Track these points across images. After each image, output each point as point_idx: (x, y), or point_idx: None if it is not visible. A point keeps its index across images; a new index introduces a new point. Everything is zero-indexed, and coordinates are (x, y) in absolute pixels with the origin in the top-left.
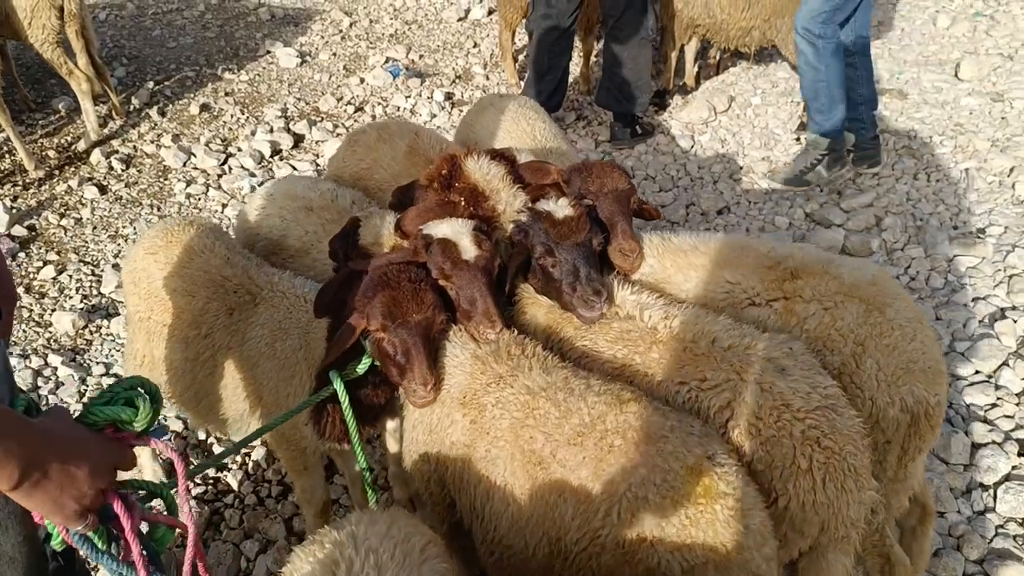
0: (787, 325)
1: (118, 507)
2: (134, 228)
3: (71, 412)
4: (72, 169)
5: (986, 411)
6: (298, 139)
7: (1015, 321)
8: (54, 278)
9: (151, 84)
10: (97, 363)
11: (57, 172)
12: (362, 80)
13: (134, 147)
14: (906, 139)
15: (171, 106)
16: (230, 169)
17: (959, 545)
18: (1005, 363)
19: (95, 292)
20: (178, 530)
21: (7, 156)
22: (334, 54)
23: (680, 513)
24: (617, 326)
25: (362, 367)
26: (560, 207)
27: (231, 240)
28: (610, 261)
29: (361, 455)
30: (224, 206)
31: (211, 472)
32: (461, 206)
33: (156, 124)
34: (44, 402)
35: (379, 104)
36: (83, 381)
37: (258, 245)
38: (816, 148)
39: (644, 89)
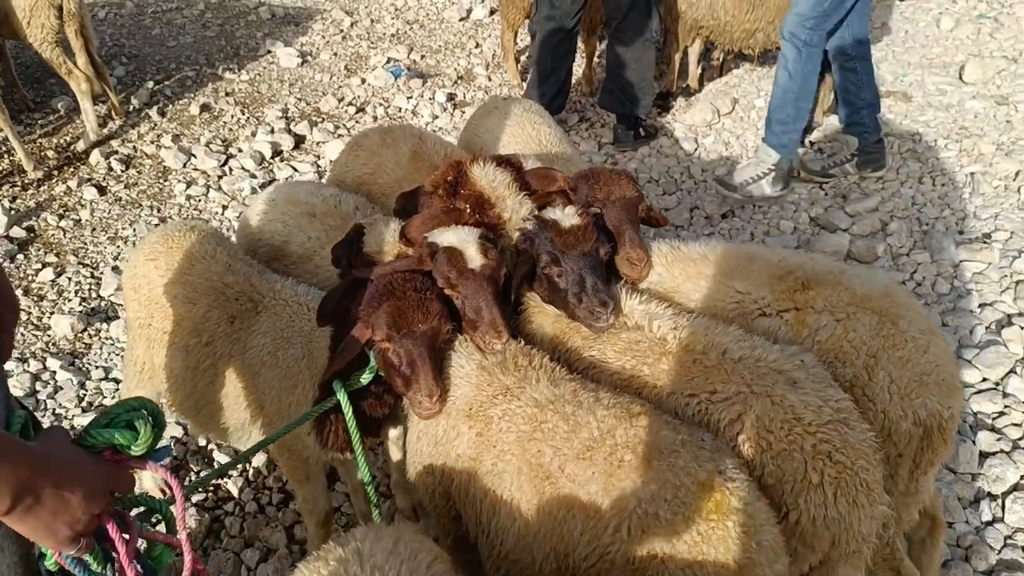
0: (798, 336)
1: (113, 531)
2: (134, 230)
3: (69, 432)
4: (71, 170)
5: (994, 419)
6: (299, 140)
7: (1022, 328)
8: (53, 280)
9: (151, 84)
10: (96, 367)
11: (56, 173)
12: (363, 80)
13: (134, 147)
14: (911, 142)
15: (171, 106)
16: (231, 170)
17: (967, 556)
18: (1012, 370)
19: (94, 295)
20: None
21: (6, 156)
22: (335, 54)
23: (691, 529)
24: (626, 336)
25: (366, 377)
26: (567, 216)
27: (233, 246)
28: (617, 270)
29: (365, 468)
30: (224, 208)
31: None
32: (466, 213)
33: (156, 124)
34: (42, 407)
35: (380, 105)
36: (82, 385)
37: (260, 251)
38: (764, 162)
39: (647, 91)
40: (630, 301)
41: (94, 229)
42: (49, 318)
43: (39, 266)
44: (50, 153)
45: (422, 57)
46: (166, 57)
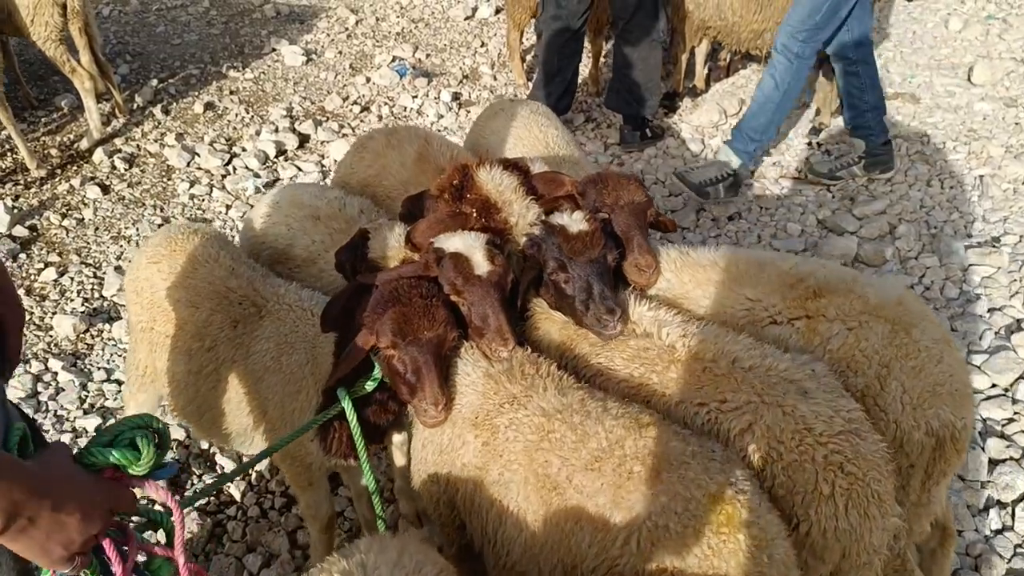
0: (809, 345)
1: (110, 550)
2: (137, 229)
3: (71, 449)
4: (74, 168)
5: (1003, 426)
6: (303, 139)
7: None
8: (55, 280)
9: (155, 82)
10: (98, 368)
11: (59, 171)
12: (368, 79)
13: (137, 146)
14: (919, 144)
15: (175, 104)
16: (234, 169)
17: (977, 565)
18: (1022, 376)
19: (97, 295)
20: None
21: (9, 154)
22: (340, 52)
23: (702, 543)
24: (634, 344)
25: (371, 384)
26: (574, 221)
27: (236, 249)
28: (626, 276)
29: (370, 476)
30: (228, 207)
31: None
32: (472, 218)
33: (160, 123)
34: (44, 408)
35: (385, 104)
36: (84, 387)
37: (264, 254)
38: (724, 167)
39: (654, 92)
40: (638, 308)
41: (97, 228)
42: (51, 318)
43: (41, 265)
44: (53, 151)
45: (427, 56)
46: (170, 55)
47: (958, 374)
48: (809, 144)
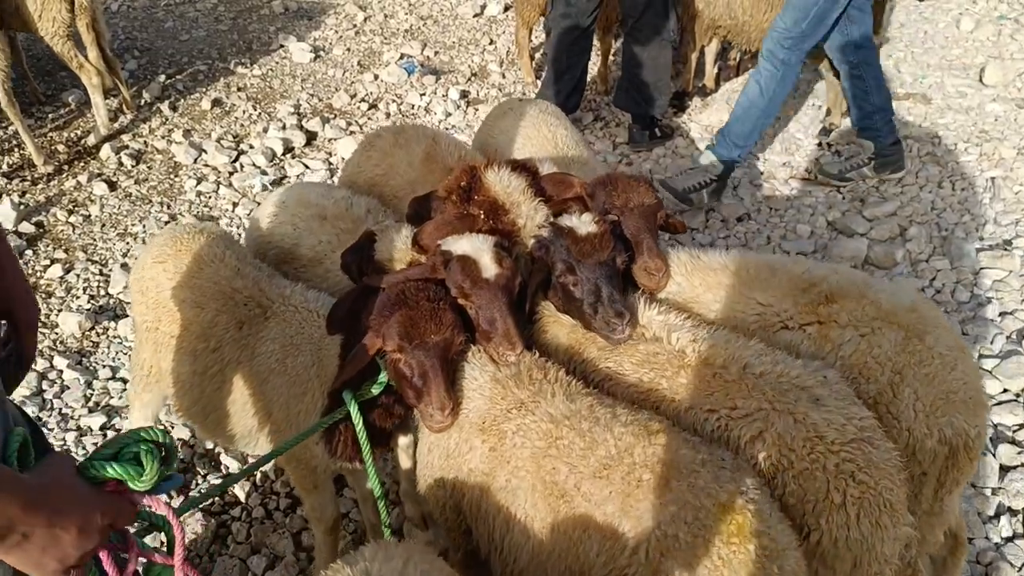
0: (821, 351)
1: (107, 563)
2: (143, 226)
3: (74, 460)
4: (81, 164)
5: (1014, 432)
6: (311, 136)
7: None
8: (61, 277)
9: (162, 78)
10: (104, 366)
11: (66, 167)
12: (376, 76)
13: (144, 142)
14: (930, 145)
15: (183, 101)
16: (241, 167)
17: (987, 573)
18: None
19: (103, 292)
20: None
21: (16, 150)
22: (348, 49)
23: (712, 553)
24: (643, 348)
25: (377, 387)
26: (583, 223)
27: (242, 249)
28: (635, 279)
29: (375, 480)
30: (235, 204)
31: (217, 483)
32: (480, 220)
33: (167, 119)
34: (49, 406)
35: (393, 101)
36: (89, 385)
37: (270, 253)
38: (709, 171)
39: (663, 91)
40: (648, 312)
41: (103, 225)
42: (57, 315)
43: (47, 262)
44: (60, 147)
45: (436, 53)
46: (178, 51)
47: (972, 381)
48: (819, 145)
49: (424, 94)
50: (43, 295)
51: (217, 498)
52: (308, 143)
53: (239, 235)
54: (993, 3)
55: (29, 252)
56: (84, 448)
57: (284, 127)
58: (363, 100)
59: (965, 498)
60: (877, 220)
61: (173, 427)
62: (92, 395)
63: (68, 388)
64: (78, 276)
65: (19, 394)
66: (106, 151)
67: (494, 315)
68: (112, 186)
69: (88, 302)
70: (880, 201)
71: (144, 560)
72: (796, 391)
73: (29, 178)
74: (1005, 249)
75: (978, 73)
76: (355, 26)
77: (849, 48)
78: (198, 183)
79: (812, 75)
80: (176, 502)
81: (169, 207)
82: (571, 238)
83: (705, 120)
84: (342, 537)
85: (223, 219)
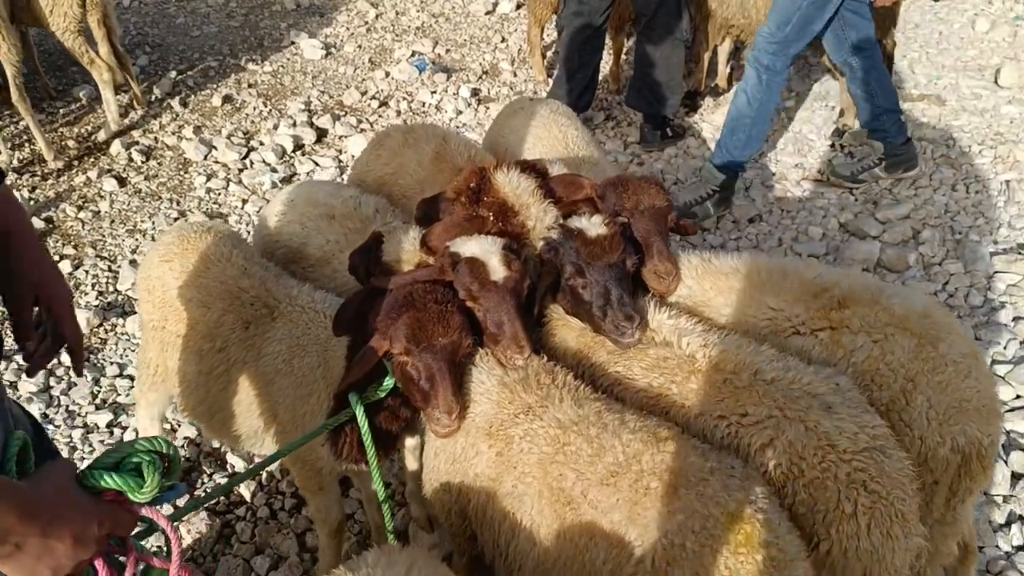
0: (833, 357)
1: (103, 571)
2: (153, 223)
3: (75, 468)
4: (91, 160)
5: None
6: (321, 134)
7: None
8: (70, 273)
9: (173, 74)
10: (111, 363)
11: (76, 163)
12: (387, 74)
13: (155, 138)
14: (944, 147)
15: (193, 97)
16: (251, 164)
17: None
18: None
19: (111, 288)
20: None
21: (26, 145)
22: (359, 46)
23: (720, 563)
24: (653, 353)
25: (383, 390)
26: (593, 225)
27: (249, 248)
28: (645, 283)
29: (379, 483)
30: (244, 201)
31: (223, 481)
32: (489, 221)
33: (178, 115)
34: (56, 403)
35: (404, 99)
36: (96, 382)
37: (277, 253)
38: (710, 182)
39: (675, 91)
40: (658, 315)
41: (113, 221)
42: None
43: (56, 258)
44: (71, 143)
45: (447, 51)
46: (189, 47)
47: (985, 389)
48: (832, 146)
49: (435, 92)
50: None
51: (222, 497)
52: (318, 140)
53: (248, 233)
54: (1009, 4)
55: None
56: (91, 445)
57: (294, 124)
58: (374, 97)
59: (976, 506)
60: (890, 223)
61: (180, 425)
62: (99, 392)
63: (75, 385)
64: (87, 272)
65: (26, 390)
66: (116, 147)
67: (502, 318)
68: (122, 182)
69: (97, 298)
70: (893, 203)
71: (143, 564)
72: (808, 398)
73: (39, 173)
74: (1019, 253)
75: (993, 74)
76: (366, 23)
77: (849, 52)
78: (208, 180)
79: (825, 75)
80: (181, 501)
81: (178, 204)
82: (581, 240)
83: (717, 120)
84: (347, 538)
85: (232, 216)
